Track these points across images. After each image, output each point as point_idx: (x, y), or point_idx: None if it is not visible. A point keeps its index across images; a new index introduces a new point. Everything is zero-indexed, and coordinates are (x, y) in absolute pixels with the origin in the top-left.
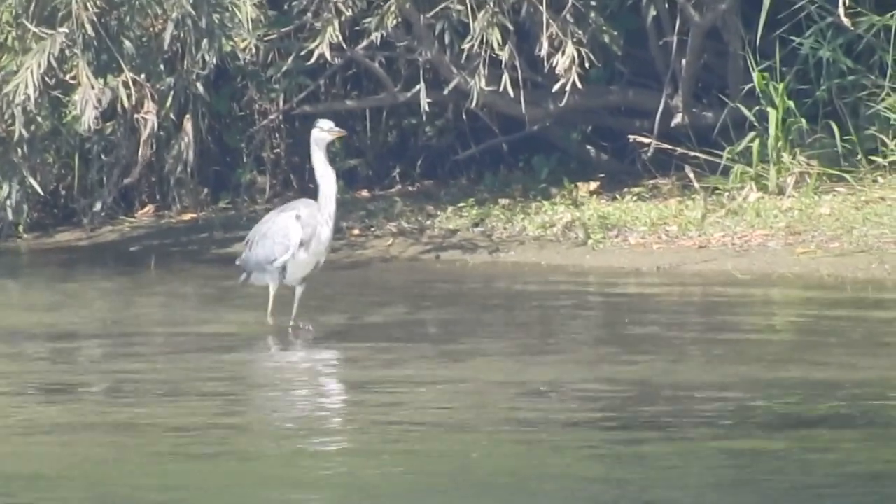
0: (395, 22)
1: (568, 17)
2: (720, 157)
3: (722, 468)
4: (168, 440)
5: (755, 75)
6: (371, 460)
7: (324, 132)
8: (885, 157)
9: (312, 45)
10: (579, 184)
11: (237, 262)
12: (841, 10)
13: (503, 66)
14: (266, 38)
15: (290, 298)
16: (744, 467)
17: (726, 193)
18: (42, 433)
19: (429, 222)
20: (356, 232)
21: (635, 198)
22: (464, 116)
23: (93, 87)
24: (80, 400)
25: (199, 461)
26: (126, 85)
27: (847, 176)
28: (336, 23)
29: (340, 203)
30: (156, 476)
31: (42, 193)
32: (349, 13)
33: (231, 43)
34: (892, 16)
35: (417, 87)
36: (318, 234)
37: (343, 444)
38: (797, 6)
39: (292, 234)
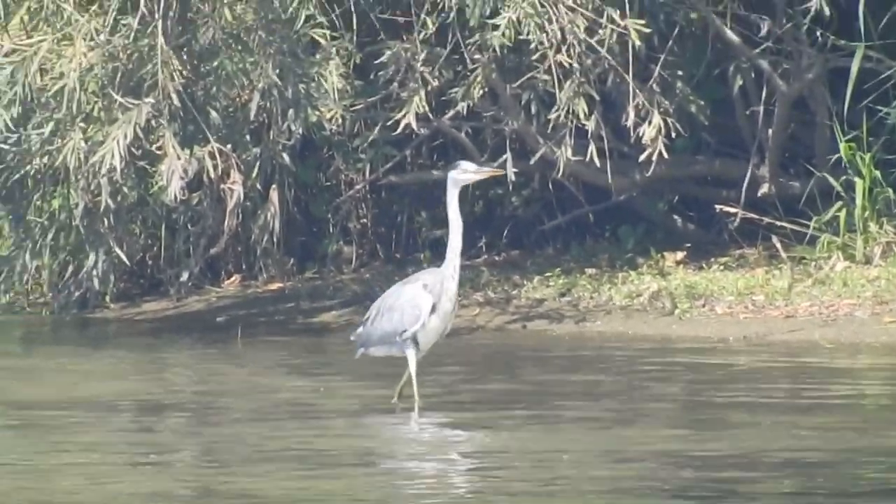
0: (481, 92)
1: (654, 86)
2: (807, 226)
3: None
4: None
5: (842, 145)
6: None
7: (468, 173)
8: None
9: (398, 115)
10: (666, 253)
11: (352, 338)
12: None
13: (589, 135)
14: (352, 109)
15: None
16: None
17: (813, 263)
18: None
19: (515, 292)
20: None
21: (722, 267)
22: (550, 186)
23: (179, 158)
24: (169, 469)
25: None
26: (212, 155)
27: None
28: (422, 93)
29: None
30: None
31: (129, 263)
32: (435, 83)
33: (317, 113)
34: None
35: (504, 157)
36: (446, 290)
37: None
38: (885, 76)
39: (423, 304)
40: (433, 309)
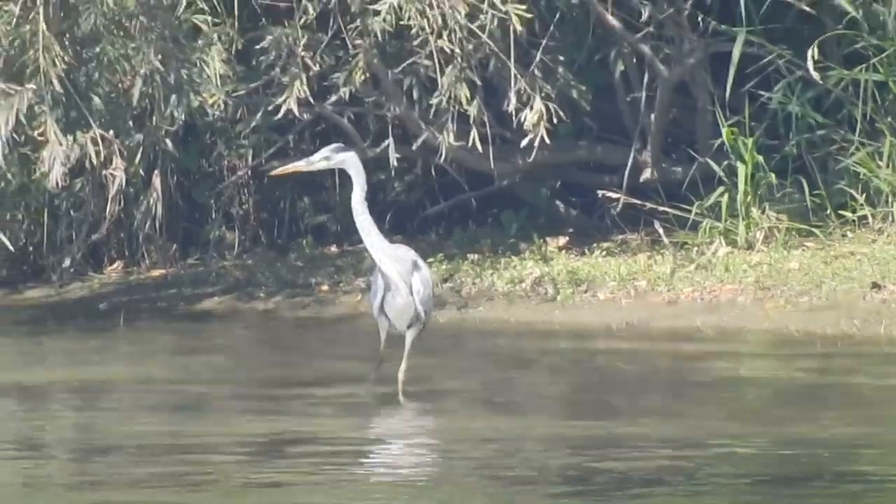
0: (363, 77)
1: (536, 72)
2: (689, 212)
3: None
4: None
5: (724, 130)
6: None
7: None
8: (853, 211)
9: (280, 101)
10: (548, 239)
11: None
12: (810, 65)
13: (471, 121)
14: (234, 94)
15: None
16: None
17: (695, 248)
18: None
19: None
20: (325, 288)
21: (604, 253)
22: (432, 172)
23: (61, 144)
24: (48, 458)
25: None
26: (94, 141)
27: (816, 231)
28: (303, 77)
29: (309, 259)
30: None
31: (11, 250)
32: (317, 68)
33: (199, 99)
34: (860, 70)
35: (386, 142)
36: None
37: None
38: (766, 60)
39: (380, 279)
40: (387, 287)
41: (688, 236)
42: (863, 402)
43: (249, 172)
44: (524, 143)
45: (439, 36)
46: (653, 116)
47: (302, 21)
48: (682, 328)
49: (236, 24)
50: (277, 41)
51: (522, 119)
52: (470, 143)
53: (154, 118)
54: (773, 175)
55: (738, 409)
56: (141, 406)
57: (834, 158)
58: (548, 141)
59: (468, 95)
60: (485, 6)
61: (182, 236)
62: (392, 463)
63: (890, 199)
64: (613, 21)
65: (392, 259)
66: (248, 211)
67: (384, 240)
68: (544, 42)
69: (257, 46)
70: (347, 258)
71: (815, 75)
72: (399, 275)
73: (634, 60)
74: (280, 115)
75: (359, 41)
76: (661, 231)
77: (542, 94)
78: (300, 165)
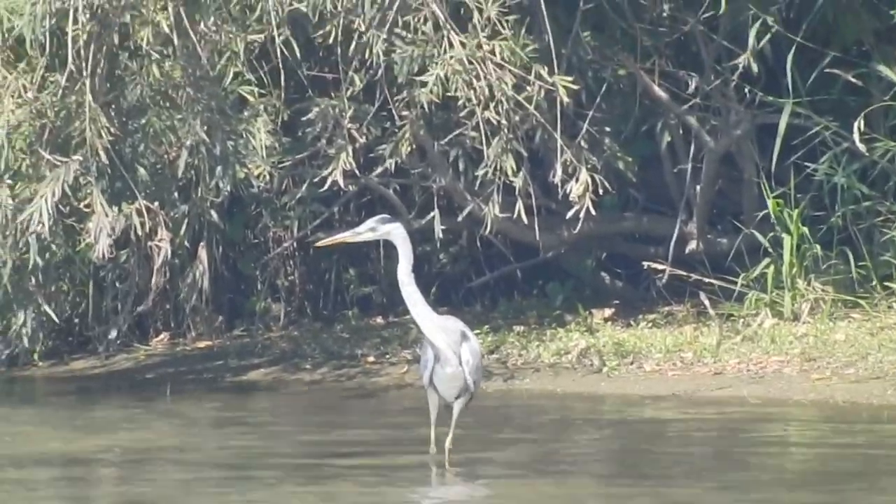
0: (409, 149)
1: (582, 143)
2: (735, 283)
3: None
4: None
5: (770, 202)
6: None
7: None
8: None
9: (326, 173)
10: (594, 311)
11: None
12: (856, 136)
13: (517, 192)
14: (280, 166)
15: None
16: None
17: (741, 320)
18: None
19: None
20: (371, 359)
21: (650, 324)
22: (478, 243)
23: (107, 216)
24: None
25: None
26: (140, 213)
27: (862, 302)
28: (349, 150)
29: (355, 330)
30: None
31: (57, 321)
32: (363, 140)
33: (245, 170)
34: None
35: (431, 213)
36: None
37: None
38: (812, 132)
39: (429, 351)
40: (437, 359)
41: (733, 308)
42: None
43: (295, 244)
44: (570, 214)
45: (486, 107)
46: (699, 188)
47: (348, 92)
48: (729, 399)
49: (282, 95)
50: (324, 113)
51: (568, 190)
52: (515, 215)
53: (199, 189)
54: (818, 246)
55: (787, 479)
56: (188, 476)
57: (880, 230)
58: (593, 212)
59: (514, 167)
60: (531, 77)
61: (228, 308)
62: None
63: None
64: (660, 92)
65: (440, 330)
66: (293, 282)
67: (432, 311)
68: (591, 113)
69: (303, 118)
70: (393, 329)
71: (862, 147)
72: (448, 345)
73: (681, 132)
74: (326, 186)
75: (405, 112)
76: (706, 302)
77: (588, 166)
78: (346, 237)
